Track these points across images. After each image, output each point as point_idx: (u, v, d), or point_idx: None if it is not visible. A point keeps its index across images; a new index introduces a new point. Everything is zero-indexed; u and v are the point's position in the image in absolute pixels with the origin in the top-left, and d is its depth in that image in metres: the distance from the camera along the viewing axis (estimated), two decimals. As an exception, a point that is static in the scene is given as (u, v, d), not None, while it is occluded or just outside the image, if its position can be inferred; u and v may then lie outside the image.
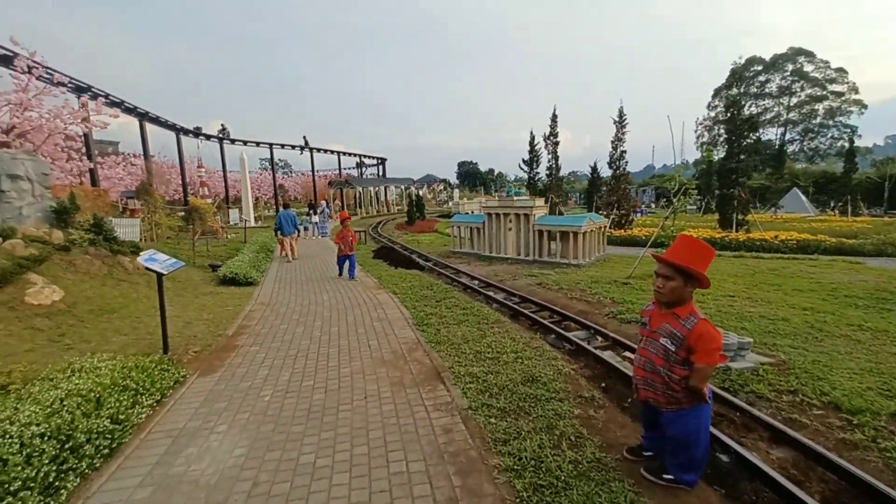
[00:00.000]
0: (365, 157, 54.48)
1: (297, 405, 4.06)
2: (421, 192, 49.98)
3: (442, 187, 71.39)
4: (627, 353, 5.55)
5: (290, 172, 64.47)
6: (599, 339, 6.25)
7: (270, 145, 35.56)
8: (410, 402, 4.04)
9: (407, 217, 31.46)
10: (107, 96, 15.96)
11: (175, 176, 28.33)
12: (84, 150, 14.93)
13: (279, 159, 52.63)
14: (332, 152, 45.52)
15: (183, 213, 16.60)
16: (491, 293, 9.18)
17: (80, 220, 9.11)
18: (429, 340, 5.69)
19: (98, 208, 12.88)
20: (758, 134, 34.26)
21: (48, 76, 11.31)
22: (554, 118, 24.07)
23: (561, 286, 9.43)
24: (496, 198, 17.84)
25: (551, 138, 24.49)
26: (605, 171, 25.32)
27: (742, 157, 19.41)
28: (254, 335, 6.15)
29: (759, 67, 58.79)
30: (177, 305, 7.63)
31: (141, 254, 5.29)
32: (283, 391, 4.37)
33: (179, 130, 26.69)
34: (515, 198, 14.06)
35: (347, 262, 9.98)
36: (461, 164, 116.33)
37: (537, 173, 27.34)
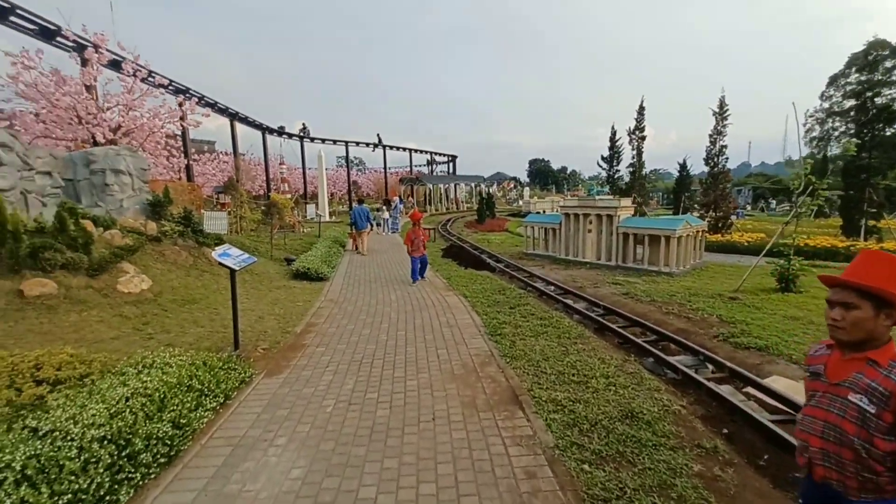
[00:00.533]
0: (436, 154, 54.80)
1: (360, 421, 3.69)
2: (491, 190, 49.22)
3: (512, 185, 69.91)
4: (751, 390, 4.53)
5: (364, 169, 66.72)
6: (710, 367, 5.23)
7: (346, 143, 36.85)
8: (484, 431, 3.50)
9: (477, 215, 30.92)
10: (202, 98, 17.20)
11: (261, 172, 30.24)
12: (182, 147, 16.22)
13: (354, 157, 54.48)
14: (404, 149, 46.25)
15: (263, 208, 17.46)
16: (570, 301, 8.36)
17: (172, 213, 9.68)
18: (503, 354, 5.14)
19: (193, 202, 13.85)
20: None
21: (151, 79, 12.27)
22: (641, 110, 22.12)
23: (653, 298, 8.33)
24: (569, 197, 16.70)
25: (636, 133, 22.62)
26: (696, 169, 22.92)
27: (874, 152, 16.44)
28: (321, 335, 5.97)
29: (886, 52, 50.22)
30: (252, 297, 7.75)
31: (216, 248, 5.26)
32: (346, 402, 4.05)
33: (265, 129, 28.41)
34: (597, 197, 12.95)
35: (419, 265, 9.26)
36: (532, 163, 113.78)
37: (617, 171, 25.52)
